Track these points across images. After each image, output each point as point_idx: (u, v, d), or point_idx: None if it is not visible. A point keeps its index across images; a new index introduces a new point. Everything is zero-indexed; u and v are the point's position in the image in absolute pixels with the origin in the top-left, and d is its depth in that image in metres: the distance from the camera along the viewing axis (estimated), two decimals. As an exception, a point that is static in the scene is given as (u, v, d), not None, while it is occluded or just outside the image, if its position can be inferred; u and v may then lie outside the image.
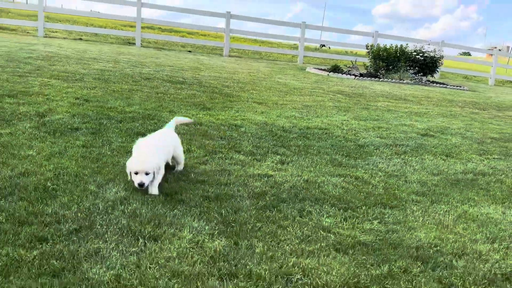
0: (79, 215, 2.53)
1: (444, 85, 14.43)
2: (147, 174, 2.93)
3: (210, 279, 2.04)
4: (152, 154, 3.03)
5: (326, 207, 3.10)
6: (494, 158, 5.22)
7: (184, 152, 3.87)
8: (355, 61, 15.39)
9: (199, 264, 2.16)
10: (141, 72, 8.65)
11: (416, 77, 14.07)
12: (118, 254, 2.16)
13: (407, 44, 14.87)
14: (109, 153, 3.68)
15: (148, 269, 2.06)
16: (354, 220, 2.92)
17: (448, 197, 3.62)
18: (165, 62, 11.43)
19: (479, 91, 14.92)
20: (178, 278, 2.02)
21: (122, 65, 9.35)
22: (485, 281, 2.32)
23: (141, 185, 2.90)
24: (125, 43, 16.62)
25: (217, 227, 2.58)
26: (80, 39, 15.82)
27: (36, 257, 2.05)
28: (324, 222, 2.83)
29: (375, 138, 5.54)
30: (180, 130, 4.58)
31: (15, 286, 1.83)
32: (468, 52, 43.65)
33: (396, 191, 3.63)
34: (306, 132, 5.39)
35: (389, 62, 14.36)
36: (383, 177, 3.97)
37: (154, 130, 3.87)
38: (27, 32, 16.09)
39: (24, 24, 16.24)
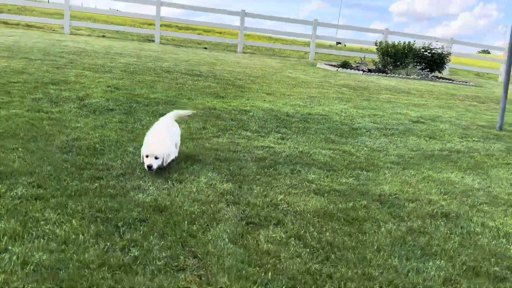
0: (123, 165, 3.40)
1: (451, 81, 14.99)
2: (156, 158, 3.21)
3: (219, 204, 2.88)
4: (163, 141, 3.32)
5: (313, 168, 3.91)
6: (473, 140, 5.94)
7: (200, 129, 4.74)
8: (364, 57, 16.06)
9: (212, 196, 3.01)
10: (162, 66, 9.57)
11: (422, 73, 14.67)
12: (154, 188, 3.03)
13: (414, 41, 15.44)
14: (140, 127, 4.56)
15: (176, 197, 2.92)
16: (333, 177, 3.72)
17: (419, 166, 4.38)
18: (183, 57, 12.34)
19: (486, 87, 15.42)
20: (197, 203, 2.86)
21: (144, 60, 10.29)
22: (427, 216, 3.10)
23: (149, 167, 3.18)
24: (145, 40, 17.62)
25: (225, 177, 3.42)
26: (103, 36, 16.88)
27: (97, 188, 2.93)
28: (309, 177, 3.64)
29: (368, 123, 6.30)
30: (196, 112, 5.45)
31: (85, 202, 2.69)
32: (487, 50, 43.50)
33: (375, 160, 4.41)
34: (307, 117, 6.19)
35: (397, 58, 14.99)
36: (367, 151, 4.75)
37: (173, 108, 4.72)
38: (53, 30, 17.24)
39: (51, 22, 17.40)
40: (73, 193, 2.77)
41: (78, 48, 10.97)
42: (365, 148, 4.87)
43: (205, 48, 17.97)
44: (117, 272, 1.99)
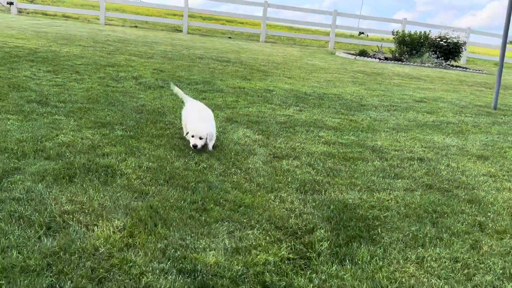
0: (181, 123, 4.65)
1: (465, 69, 15.78)
2: (201, 138, 3.60)
3: (254, 146, 4.10)
4: (207, 123, 3.77)
5: (324, 129, 5.08)
6: (466, 115, 6.98)
7: (234, 102, 5.96)
8: (381, 46, 16.98)
9: (248, 142, 4.23)
10: (194, 53, 10.84)
11: (437, 61, 15.51)
12: (207, 136, 4.26)
13: (429, 31, 16.25)
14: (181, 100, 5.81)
15: (224, 141, 4.15)
16: (339, 135, 4.90)
17: (411, 131, 5.50)
18: (211, 46, 13.59)
19: (491, 71, 16.12)
20: (238, 145, 4.09)
21: (178, 48, 11.59)
22: (406, 159, 4.24)
23: (194, 146, 3.59)
24: (173, 30, 18.96)
25: (256, 132, 4.64)
26: (136, 26, 18.30)
27: (169, 133, 4.19)
28: (320, 134, 4.83)
29: (376, 101, 7.41)
30: (229, 90, 6.68)
31: (164, 140, 3.95)
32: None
33: (375, 127, 5.55)
34: (322, 96, 7.34)
35: (412, 47, 15.86)
36: (370, 120, 5.89)
37: (211, 90, 5.96)
38: (88, 20, 18.74)
39: (87, 13, 18.91)
40: (154, 136, 4.05)
41: (119, 37, 12.35)
42: (369, 118, 6.00)
43: (230, 37, 19.17)
44: (195, 172, 3.25)
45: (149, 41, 12.22)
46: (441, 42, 16.29)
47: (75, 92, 5.39)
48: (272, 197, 2.98)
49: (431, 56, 15.90)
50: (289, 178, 3.36)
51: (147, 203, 2.64)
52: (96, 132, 3.94)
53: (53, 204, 2.49)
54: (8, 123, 3.92)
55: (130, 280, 1.92)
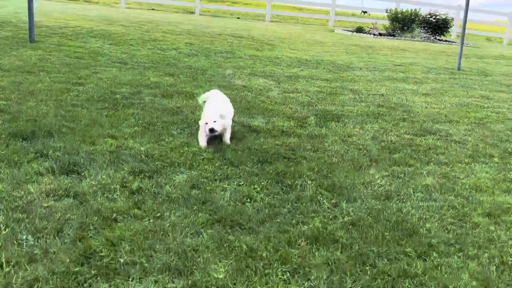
0: (222, 77, 6.90)
1: (451, 43, 17.82)
2: (215, 122, 3.57)
3: (270, 87, 6.33)
4: (223, 107, 3.80)
5: (319, 80, 7.29)
6: (431, 73, 9.15)
7: (251, 65, 8.17)
8: (375, 23, 19.00)
9: (264, 85, 6.46)
10: (213, 31, 13.01)
11: (425, 36, 17.56)
12: (240, 80, 6.52)
13: (419, 8, 18.24)
14: (218, 61, 8.04)
15: (249, 82, 6.39)
16: (329, 83, 7.11)
17: (382, 81, 7.70)
18: (223, 25, 15.73)
19: (482, 47, 18.17)
20: (258, 86, 6.33)
21: (198, 27, 13.75)
22: (371, 95, 6.45)
23: (211, 130, 3.55)
24: (186, 12, 21.02)
25: (270, 80, 6.85)
26: (153, 9, 20.38)
27: (215, 81, 6.42)
28: (315, 83, 7.05)
29: (362, 65, 9.59)
30: (246, 57, 8.88)
31: (213, 84, 6.18)
32: None
33: (357, 80, 7.75)
34: (319, 62, 9.52)
35: (404, 23, 17.90)
36: (353, 76, 8.09)
37: (233, 57, 8.17)
38: (109, 4, 20.81)
39: (107, -2, 20.95)
40: (206, 80, 6.29)
41: (147, 18, 14.55)
42: (353, 75, 8.21)
43: (238, 18, 21.23)
44: (237, 92, 5.51)
45: (173, 22, 14.39)
46: (430, 19, 18.29)
47: (139, 57, 7.62)
48: (284, 107, 5.23)
49: (421, 31, 17.93)
50: (294, 100, 5.61)
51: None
52: (170, 78, 6.20)
53: (166, 103, 4.75)
54: (112, 71, 6.18)
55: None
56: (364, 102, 5.87)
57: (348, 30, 18.28)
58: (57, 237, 2.23)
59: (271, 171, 3.29)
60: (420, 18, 18.20)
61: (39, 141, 3.40)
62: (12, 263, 2.01)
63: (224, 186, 2.97)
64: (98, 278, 1.98)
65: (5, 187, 2.66)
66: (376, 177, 3.36)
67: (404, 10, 18.23)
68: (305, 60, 9.50)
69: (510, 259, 2.41)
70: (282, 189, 3.04)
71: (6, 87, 4.83)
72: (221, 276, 2.04)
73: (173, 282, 2.00)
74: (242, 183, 3.04)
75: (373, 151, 3.94)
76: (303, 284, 2.06)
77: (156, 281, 1.99)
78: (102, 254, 2.13)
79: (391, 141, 4.30)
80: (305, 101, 5.60)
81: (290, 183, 3.13)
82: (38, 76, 5.49)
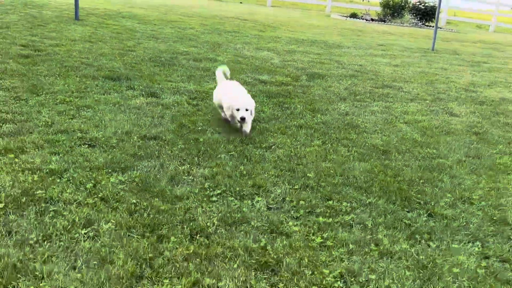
0: (235, 50, 8.81)
1: (438, 28, 19.67)
2: (247, 110, 3.88)
3: (272, 57, 8.27)
4: (248, 96, 4.15)
5: (311, 54, 9.22)
6: (407, 52, 11.06)
7: (257, 42, 10.09)
8: (368, 9, 20.85)
9: (269, 56, 8.39)
10: (220, 14, 14.87)
11: (414, 22, 19.44)
12: (249, 52, 8.45)
13: (409, -5, 20.10)
14: (228, 39, 9.94)
15: (257, 52, 8.32)
16: (319, 56, 9.04)
17: (365, 56, 9.62)
18: (229, 9, 17.55)
19: (467, 33, 20.07)
20: (264, 57, 8.26)
21: (206, 11, 15.59)
22: (352, 64, 8.39)
23: (242, 119, 3.85)
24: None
25: (273, 53, 8.78)
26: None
27: (230, 50, 8.35)
28: (309, 56, 8.98)
29: (350, 44, 11.50)
30: (252, 36, 10.79)
31: (227, 55, 8.09)
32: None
33: (343, 55, 9.67)
34: (313, 41, 11.42)
35: (395, 10, 19.75)
36: (341, 52, 10.00)
37: (240, 35, 10.08)
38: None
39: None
40: (224, 51, 8.20)
41: (161, 4, 16.39)
42: (340, 51, 10.12)
43: (241, 2, 23.00)
44: (248, 60, 7.44)
45: (185, 5, 16.23)
46: (420, 6, 20.13)
47: (165, 34, 9.50)
48: (284, 69, 7.16)
49: (411, 18, 19.79)
50: (291, 66, 7.55)
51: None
52: (195, 48, 8.11)
53: (198, 64, 6.68)
54: (150, 43, 8.08)
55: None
56: (344, 69, 7.82)
57: (343, 16, 20.12)
58: (163, 118, 4.19)
59: (275, 101, 5.25)
60: (410, 5, 20.03)
61: (124, 82, 5.34)
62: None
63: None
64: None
65: (121, 101, 4.62)
66: (341, 106, 5.32)
67: (395, -2, 20.07)
68: (302, 39, 11.41)
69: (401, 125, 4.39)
70: (282, 109, 5.00)
71: (82, 50, 6.75)
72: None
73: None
74: (258, 105, 4.99)
75: (343, 94, 5.90)
76: (302, 132, 4.04)
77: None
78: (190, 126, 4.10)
79: (358, 90, 6.27)
80: (299, 67, 7.54)
81: (286, 106, 5.09)
82: (98, 44, 7.40)
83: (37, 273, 2.10)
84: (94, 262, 2.23)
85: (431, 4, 20.31)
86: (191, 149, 3.66)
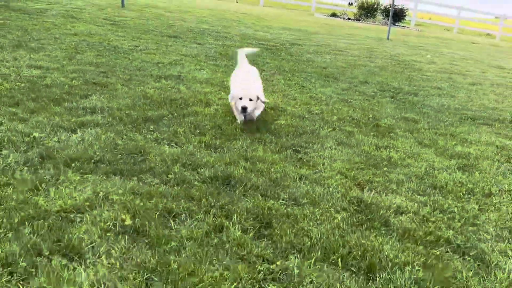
0: (238, 34, 12.85)
1: (404, 27, 24.02)
2: (250, 100, 3.85)
3: (267, 36, 12.33)
4: (254, 85, 4.17)
5: (292, 36, 13.30)
6: (367, 40, 15.23)
7: (254, 28, 14.18)
8: (346, 10, 25.17)
9: (263, 36, 12.44)
10: (221, 8, 18.92)
11: (384, 21, 23.77)
12: (255, 30, 12.49)
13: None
14: (233, 25, 13.97)
15: (256, 35, 12.37)
16: (300, 38, 13.12)
17: (333, 39, 13.74)
18: (227, 7, 21.64)
19: (430, 32, 24.47)
20: (258, 37, 12.30)
21: (211, 7, 19.64)
22: (321, 44, 12.47)
23: (244, 108, 3.82)
24: (194, -5, 26.76)
25: (266, 42, 12.83)
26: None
27: (236, 25, 12.36)
28: (291, 36, 13.05)
29: (324, 33, 15.63)
30: (249, 25, 14.86)
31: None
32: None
33: (318, 39, 13.77)
34: (297, 29, 15.53)
35: (368, 10, 24.08)
36: (316, 37, 14.11)
37: (240, 25, 14.13)
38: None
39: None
40: (235, 29, 12.22)
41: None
42: (316, 37, 14.23)
43: (237, 1, 27.13)
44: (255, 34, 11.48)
45: (187, 4, 20.29)
46: (389, 8, 24.47)
47: (189, 19, 13.45)
48: (274, 41, 11.19)
49: (382, 18, 24.10)
50: (279, 40, 11.60)
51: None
52: (214, 27, 12.10)
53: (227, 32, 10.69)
54: (184, 23, 12.05)
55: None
56: (316, 45, 11.87)
57: (325, 15, 24.38)
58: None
59: (270, 53, 9.26)
60: (382, 7, 24.41)
61: (180, 39, 9.29)
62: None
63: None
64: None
65: (178, 48, 8.58)
66: (307, 55, 9.36)
67: (369, 1, 24.43)
68: (289, 28, 15.52)
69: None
70: (274, 56, 9.02)
71: (144, 23, 10.68)
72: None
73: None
74: (262, 59, 8.99)
75: (310, 51, 9.95)
76: (287, 64, 8.06)
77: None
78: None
79: (319, 50, 10.32)
80: (285, 40, 11.57)
81: (277, 54, 9.11)
82: (149, 20, 11.34)
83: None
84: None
85: (400, 6, 24.71)
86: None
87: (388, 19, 24.05)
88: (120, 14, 12.05)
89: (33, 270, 2.03)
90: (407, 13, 25.21)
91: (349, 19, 23.75)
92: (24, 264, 2.05)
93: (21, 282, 1.97)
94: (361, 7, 24.37)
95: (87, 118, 3.90)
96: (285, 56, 8.97)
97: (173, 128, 3.91)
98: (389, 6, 24.59)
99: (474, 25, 30.88)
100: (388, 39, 16.30)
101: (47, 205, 2.51)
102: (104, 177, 2.92)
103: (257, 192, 2.98)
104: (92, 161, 3.11)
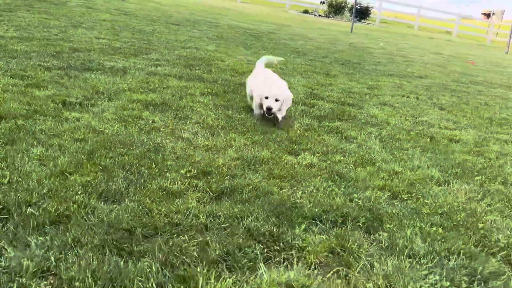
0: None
1: (368, 23, 27.39)
2: (277, 101, 3.79)
3: (259, 25, 15.21)
4: (282, 86, 4.18)
5: (270, 27, 16.23)
6: (333, 33, 18.32)
7: (241, 21, 17.07)
8: (317, 8, 28.38)
9: (254, 28, 15.32)
10: (207, 5, 21.72)
11: (350, 18, 27.06)
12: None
13: (348, -1, 27.80)
14: (220, 17, 16.81)
15: (252, 28, 15.24)
16: (275, 29, 16.06)
17: (304, 31, 16.74)
18: (211, 4, 24.44)
19: (391, 27, 27.91)
20: (250, 28, 15.17)
21: (200, 3, 22.42)
22: (296, 35, 15.43)
23: (269, 109, 3.74)
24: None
25: (254, 27, 15.71)
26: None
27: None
28: (273, 26, 15.99)
29: (297, 26, 18.64)
30: (236, 19, 17.74)
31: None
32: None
33: (292, 31, 16.74)
34: (274, 23, 18.48)
35: (337, 8, 27.33)
36: (291, 29, 17.09)
37: (229, 18, 17.00)
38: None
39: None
40: (224, 17, 15.05)
41: None
42: (291, 29, 17.18)
43: (216, -2, 29.94)
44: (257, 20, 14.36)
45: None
46: (356, 6, 27.77)
47: (183, 10, 16.17)
48: (258, 27, 14.09)
49: (349, 15, 27.36)
50: (258, 29, 14.50)
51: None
52: (207, 18, 14.89)
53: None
54: (180, 14, 14.79)
55: (235, 30, 13.10)
56: (290, 34, 14.79)
57: (298, 12, 27.50)
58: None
59: (253, 37, 12.14)
60: (349, 5, 27.72)
61: (182, 26, 12.05)
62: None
63: (241, 37, 11.83)
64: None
65: (184, 32, 11.38)
66: (282, 41, 12.28)
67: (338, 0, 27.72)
68: (265, 21, 18.44)
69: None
70: (257, 39, 11.90)
71: (150, 14, 13.37)
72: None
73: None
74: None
75: (284, 37, 12.88)
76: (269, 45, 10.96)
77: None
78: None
79: (293, 38, 13.27)
80: (264, 30, 14.43)
81: (258, 39, 12.00)
82: (151, 12, 14.02)
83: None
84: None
85: (365, 5, 28.08)
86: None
87: (356, 16, 27.43)
88: (125, 6, 14.68)
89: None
90: (372, 11, 28.60)
91: (319, 15, 26.92)
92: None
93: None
94: (331, 5, 27.59)
95: (158, 64, 6.65)
96: (266, 41, 11.84)
97: (209, 68, 6.77)
98: (355, 5, 27.92)
99: (434, 22, 34.69)
100: (351, 32, 19.46)
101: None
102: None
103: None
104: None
